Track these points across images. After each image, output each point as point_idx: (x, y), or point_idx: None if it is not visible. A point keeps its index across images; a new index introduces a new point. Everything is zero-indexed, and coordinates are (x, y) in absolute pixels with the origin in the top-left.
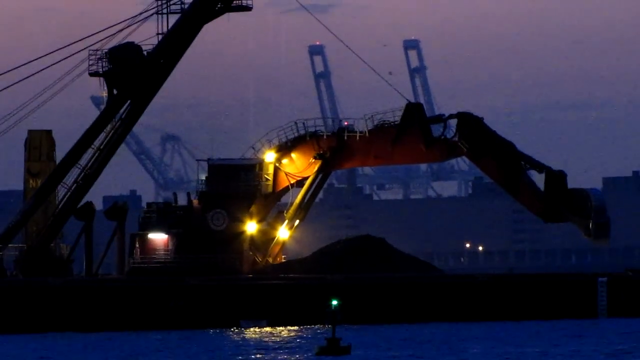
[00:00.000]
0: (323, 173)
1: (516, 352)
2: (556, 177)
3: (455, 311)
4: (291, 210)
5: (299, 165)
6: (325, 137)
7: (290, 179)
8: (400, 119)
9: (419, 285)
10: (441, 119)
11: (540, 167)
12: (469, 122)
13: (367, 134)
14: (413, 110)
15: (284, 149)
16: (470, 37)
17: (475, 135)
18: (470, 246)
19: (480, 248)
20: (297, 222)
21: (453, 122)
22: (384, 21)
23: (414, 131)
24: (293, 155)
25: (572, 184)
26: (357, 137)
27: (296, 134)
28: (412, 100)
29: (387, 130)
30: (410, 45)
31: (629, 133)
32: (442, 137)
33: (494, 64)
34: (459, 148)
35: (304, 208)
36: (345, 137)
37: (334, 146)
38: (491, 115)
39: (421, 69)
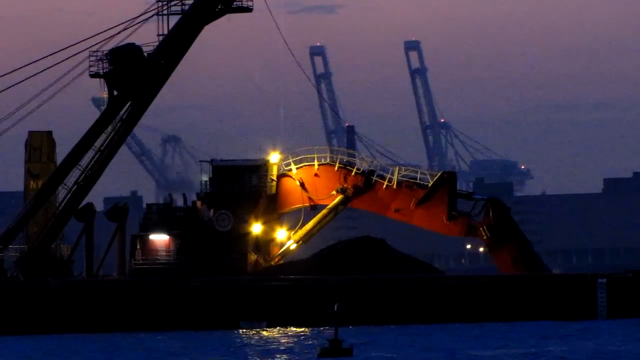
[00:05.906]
0: (340, 207)
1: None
2: None
3: (455, 312)
4: (300, 233)
5: (319, 191)
6: (353, 174)
7: (310, 201)
8: (431, 185)
9: (419, 286)
10: (471, 197)
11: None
12: (497, 211)
13: (394, 186)
14: (447, 180)
15: (309, 170)
16: (471, 38)
17: (499, 226)
18: (471, 247)
19: (481, 249)
20: (300, 242)
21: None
22: (391, 21)
23: (441, 200)
24: (317, 179)
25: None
26: (384, 186)
27: (327, 160)
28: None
29: (414, 189)
30: (411, 46)
31: (629, 134)
32: (467, 214)
33: (495, 65)
34: (480, 233)
35: (311, 233)
36: (373, 181)
37: (359, 186)
38: (492, 115)
39: (422, 70)
